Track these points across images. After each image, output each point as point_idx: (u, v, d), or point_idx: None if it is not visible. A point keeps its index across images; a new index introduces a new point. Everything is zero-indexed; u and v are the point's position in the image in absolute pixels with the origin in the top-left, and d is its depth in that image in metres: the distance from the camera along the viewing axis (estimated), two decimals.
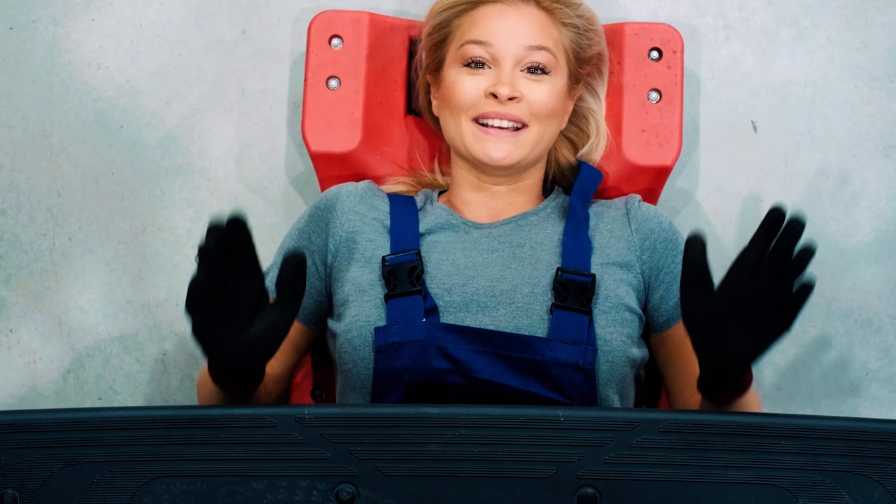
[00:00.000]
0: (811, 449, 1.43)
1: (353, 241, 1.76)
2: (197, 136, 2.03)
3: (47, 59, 2.03)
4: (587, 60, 1.81)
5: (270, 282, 1.79)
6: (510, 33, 1.75)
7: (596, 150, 1.87)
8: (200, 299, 1.41)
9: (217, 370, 1.50)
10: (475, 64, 1.76)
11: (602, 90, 1.87)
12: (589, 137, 1.87)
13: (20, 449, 1.43)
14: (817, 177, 2.03)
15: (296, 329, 1.79)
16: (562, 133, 1.85)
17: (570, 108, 1.83)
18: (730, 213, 2.03)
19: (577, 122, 1.87)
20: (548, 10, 1.77)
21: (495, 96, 1.73)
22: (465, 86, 1.75)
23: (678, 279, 1.75)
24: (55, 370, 2.03)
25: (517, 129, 1.74)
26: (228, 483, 1.43)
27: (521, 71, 1.75)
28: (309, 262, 1.77)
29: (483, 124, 1.74)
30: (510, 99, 1.73)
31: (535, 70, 1.75)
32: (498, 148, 1.74)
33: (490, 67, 1.75)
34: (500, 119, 1.74)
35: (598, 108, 1.87)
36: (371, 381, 1.68)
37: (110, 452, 1.43)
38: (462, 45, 1.76)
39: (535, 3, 1.77)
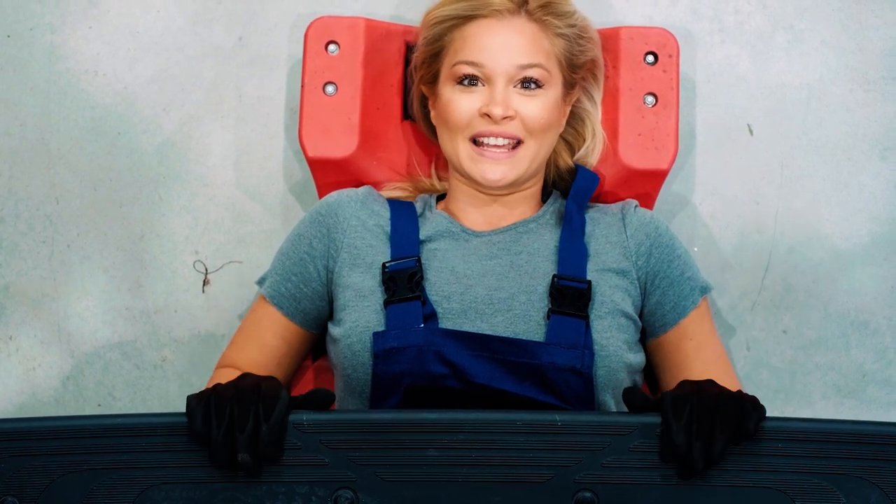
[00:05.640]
0: (808, 451, 1.43)
1: (355, 246, 1.77)
2: (194, 143, 2.03)
3: (45, 67, 2.03)
4: (581, 66, 1.81)
5: (270, 287, 1.80)
6: (502, 51, 1.74)
7: (592, 153, 1.88)
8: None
9: None
10: (468, 82, 1.76)
11: (597, 94, 1.87)
12: (585, 140, 1.87)
13: (20, 457, 1.43)
14: (813, 179, 2.03)
15: (296, 333, 1.80)
16: (560, 136, 1.85)
17: (567, 113, 1.83)
18: (726, 217, 2.03)
19: (573, 125, 1.87)
20: (539, 22, 1.77)
21: (489, 116, 1.74)
22: (459, 105, 1.75)
23: (674, 284, 1.76)
24: (55, 377, 2.03)
25: (514, 146, 1.75)
26: (227, 489, 1.43)
27: (515, 87, 1.75)
28: (310, 268, 1.78)
29: (479, 143, 1.75)
30: (504, 118, 1.73)
31: (529, 85, 1.75)
32: (494, 170, 1.74)
33: (483, 85, 1.75)
34: (496, 137, 1.74)
35: (593, 110, 1.87)
36: (370, 385, 1.68)
37: (110, 459, 1.43)
38: (455, 64, 1.76)
39: (527, 16, 1.77)
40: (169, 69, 2.04)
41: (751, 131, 2.04)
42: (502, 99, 1.73)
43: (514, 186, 1.78)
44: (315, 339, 1.83)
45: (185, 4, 2.04)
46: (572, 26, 1.78)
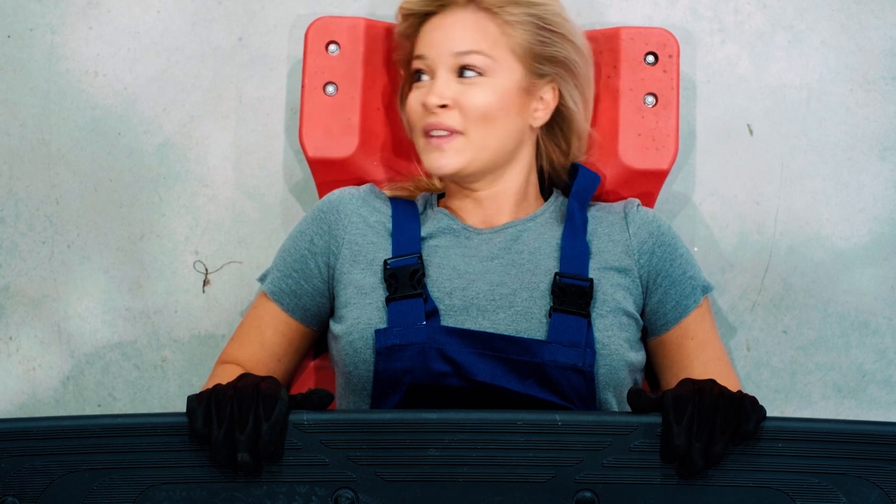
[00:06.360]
0: (808, 451, 1.43)
1: (356, 243, 1.77)
2: (194, 143, 2.03)
3: (45, 67, 2.03)
4: (548, 59, 1.79)
5: (271, 283, 1.80)
6: (441, 42, 1.76)
7: (580, 153, 1.87)
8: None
9: None
10: (418, 76, 1.79)
11: (575, 94, 1.83)
12: (569, 138, 1.85)
13: (20, 457, 1.43)
14: (813, 179, 2.03)
15: (296, 330, 1.80)
16: (549, 135, 1.84)
17: (538, 106, 1.80)
18: (726, 216, 2.03)
19: (561, 125, 1.85)
20: (492, 11, 1.77)
21: (426, 106, 1.75)
22: (411, 101, 1.78)
23: (676, 283, 1.76)
24: (55, 377, 2.03)
25: (451, 135, 1.75)
26: (228, 489, 1.43)
27: (457, 76, 1.76)
28: (311, 264, 1.78)
29: (428, 135, 1.76)
30: (441, 107, 1.74)
31: (466, 73, 1.75)
32: (439, 157, 1.75)
33: (430, 78, 1.77)
34: (437, 129, 1.75)
35: (575, 109, 1.83)
36: (371, 383, 1.69)
37: (110, 459, 1.43)
38: (410, 62, 1.80)
39: (475, 6, 1.77)
40: (169, 69, 2.04)
41: (751, 131, 2.04)
42: (437, 88, 1.74)
43: (472, 177, 1.78)
44: (316, 337, 1.83)
45: (185, 5, 2.04)
46: (533, 14, 1.77)
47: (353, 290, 1.74)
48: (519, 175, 1.81)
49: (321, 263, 1.78)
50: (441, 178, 1.81)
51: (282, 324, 1.80)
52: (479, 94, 1.74)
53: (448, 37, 1.76)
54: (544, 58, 1.78)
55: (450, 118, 1.74)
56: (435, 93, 1.74)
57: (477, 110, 1.74)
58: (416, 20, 1.81)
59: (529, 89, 1.78)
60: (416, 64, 1.78)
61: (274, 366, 1.80)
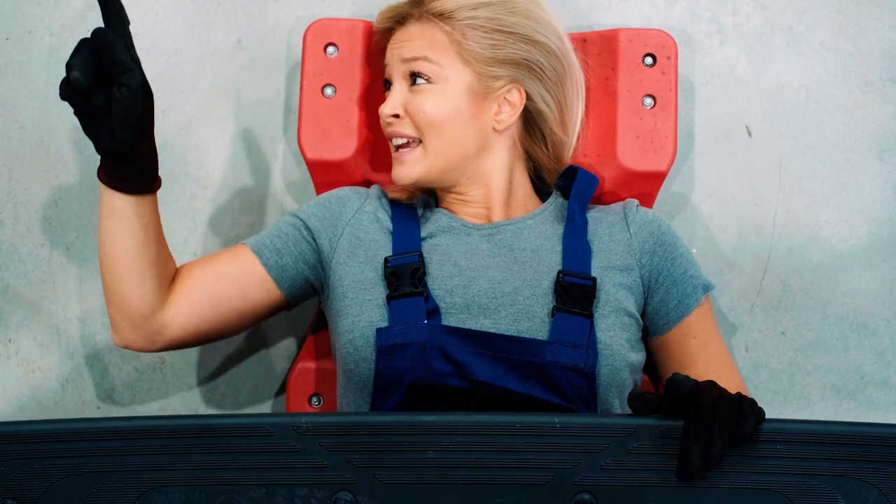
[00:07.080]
0: (807, 453, 1.43)
1: (357, 237, 1.78)
2: (193, 146, 2.03)
3: (44, 70, 2.03)
4: (502, 61, 1.77)
5: (253, 239, 1.80)
6: (394, 52, 1.80)
7: (560, 153, 1.86)
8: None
9: (102, 151, 1.62)
10: (385, 87, 1.82)
11: (544, 92, 1.81)
12: (545, 138, 1.85)
13: (20, 459, 1.43)
14: (812, 181, 2.04)
15: (255, 272, 1.77)
16: (529, 136, 1.84)
17: (501, 108, 1.79)
18: (725, 218, 2.03)
19: (537, 124, 1.84)
20: (441, 20, 1.78)
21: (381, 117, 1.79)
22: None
23: (677, 282, 1.77)
24: (54, 379, 2.03)
25: (417, 144, 1.77)
26: (227, 492, 1.43)
27: (411, 85, 1.78)
28: (304, 232, 1.79)
29: (395, 146, 1.79)
30: (395, 117, 1.77)
31: (415, 80, 1.77)
32: (398, 170, 1.78)
33: (392, 88, 1.80)
34: (396, 137, 1.78)
35: (548, 112, 1.82)
36: (372, 381, 1.69)
37: (109, 462, 1.44)
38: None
39: (426, 16, 1.79)
40: (168, 72, 2.04)
41: (749, 133, 2.04)
42: (390, 99, 1.78)
43: (436, 184, 1.80)
44: (279, 306, 1.80)
45: (184, 7, 2.04)
46: (481, 18, 1.76)
47: (351, 282, 1.74)
48: (499, 178, 1.81)
49: (309, 238, 1.78)
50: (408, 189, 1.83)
51: (244, 257, 1.77)
52: (427, 102, 1.75)
53: (399, 46, 1.79)
54: (497, 60, 1.77)
55: (404, 127, 1.77)
56: (388, 103, 1.78)
57: (424, 117, 1.75)
58: (384, 36, 1.85)
59: (484, 93, 1.77)
60: (384, 74, 1.82)
61: (212, 282, 1.76)
